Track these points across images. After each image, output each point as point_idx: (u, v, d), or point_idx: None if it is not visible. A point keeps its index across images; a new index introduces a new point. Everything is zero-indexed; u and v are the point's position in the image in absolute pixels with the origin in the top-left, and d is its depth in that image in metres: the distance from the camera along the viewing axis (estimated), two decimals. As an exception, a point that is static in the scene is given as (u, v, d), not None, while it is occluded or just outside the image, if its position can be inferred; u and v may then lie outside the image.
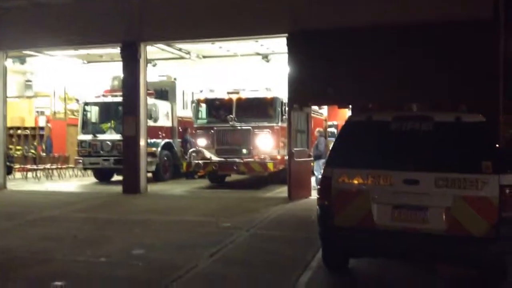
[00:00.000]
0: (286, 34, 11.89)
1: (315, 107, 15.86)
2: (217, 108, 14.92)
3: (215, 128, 14.48)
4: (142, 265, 6.16)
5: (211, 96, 15.03)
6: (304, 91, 11.79)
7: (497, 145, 5.04)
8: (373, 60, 10.91)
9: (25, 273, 5.84)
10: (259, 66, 17.69)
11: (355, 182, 5.09)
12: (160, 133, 15.91)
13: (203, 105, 15.18)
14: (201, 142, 14.66)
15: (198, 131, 15.02)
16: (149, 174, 14.38)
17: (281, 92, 13.97)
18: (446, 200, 4.74)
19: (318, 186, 5.47)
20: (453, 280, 5.70)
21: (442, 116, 5.18)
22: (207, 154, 14.23)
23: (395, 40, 10.79)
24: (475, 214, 4.68)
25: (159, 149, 15.67)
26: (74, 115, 21.65)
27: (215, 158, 14.16)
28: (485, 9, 10.32)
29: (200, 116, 15.22)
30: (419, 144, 5.09)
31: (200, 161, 14.10)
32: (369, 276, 6.02)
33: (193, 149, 14.64)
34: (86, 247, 7.13)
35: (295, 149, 11.91)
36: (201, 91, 15.49)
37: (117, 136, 14.88)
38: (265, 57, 17.42)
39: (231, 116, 14.29)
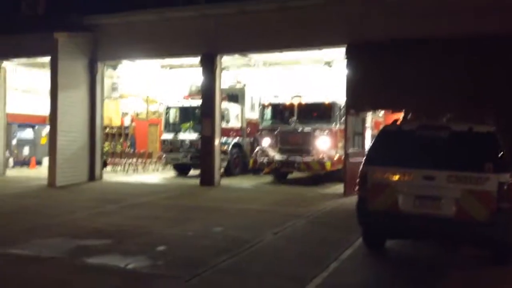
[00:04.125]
0: (345, 45, 13.27)
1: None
2: (281, 112, 16.31)
3: (278, 130, 15.94)
4: (221, 238, 7.97)
5: (275, 101, 16.56)
6: (360, 97, 13.06)
7: (501, 151, 6.29)
8: (423, 70, 12.06)
9: (134, 241, 7.79)
10: (322, 72, 18.98)
11: (385, 177, 6.56)
12: (231, 133, 17.71)
13: (268, 109, 16.69)
14: (266, 142, 16.15)
15: (263, 132, 16.50)
16: (221, 170, 16.24)
17: (341, 96, 15.10)
18: (456, 192, 6.11)
19: (357, 180, 6.98)
20: (472, 258, 7.01)
21: (458, 126, 6.54)
22: (271, 153, 15.75)
23: (445, 52, 11.88)
24: (478, 203, 6.03)
25: (230, 147, 17.46)
26: (155, 115, 24.16)
27: (278, 157, 15.68)
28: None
29: (265, 118, 16.72)
30: (436, 148, 6.48)
31: (265, 159, 15.73)
32: (400, 254, 7.45)
33: (259, 148, 16.24)
34: (175, 224, 9.06)
35: (351, 150, 13.29)
36: (266, 97, 17.00)
37: (194, 135, 16.95)
38: (328, 63, 18.73)
39: (293, 119, 15.80)
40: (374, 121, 17.86)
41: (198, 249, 7.27)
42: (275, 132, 15.98)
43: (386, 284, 6.06)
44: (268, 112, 16.73)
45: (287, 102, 16.15)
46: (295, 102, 15.97)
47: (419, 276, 6.20)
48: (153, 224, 9.14)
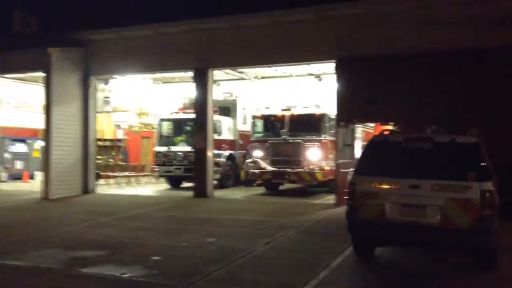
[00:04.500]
0: (335, 60, 13.61)
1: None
2: (272, 123, 16.59)
3: (269, 141, 16.22)
4: (214, 248, 8.14)
5: (266, 112, 16.79)
6: (350, 110, 13.37)
7: (483, 160, 6.55)
8: (410, 83, 12.40)
9: (128, 252, 7.94)
10: (312, 85, 19.27)
11: (373, 186, 6.79)
12: (223, 145, 17.88)
13: (259, 121, 16.95)
14: (257, 153, 16.36)
15: (254, 143, 16.70)
16: (214, 182, 16.42)
17: (331, 108, 15.40)
18: (440, 201, 6.35)
19: (346, 190, 7.20)
20: (459, 266, 7.23)
21: (441, 138, 6.80)
22: (262, 164, 15.96)
23: (432, 65, 12.22)
24: (461, 211, 6.27)
25: (222, 159, 17.69)
26: (147, 128, 24.31)
27: (269, 168, 15.91)
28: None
29: (256, 130, 16.97)
30: (421, 159, 6.74)
31: (256, 171, 15.93)
32: (390, 261, 7.66)
33: (250, 159, 16.45)
34: (169, 236, 9.22)
35: (341, 160, 13.55)
36: (257, 109, 17.31)
37: (188, 148, 17.12)
38: (317, 76, 19.03)
39: (283, 130, 16.07)
40: (364, 132, 18.21)
41: (191, 259, 7.43)
42: (266, 144, 16.26)
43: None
44: (259, 123, 16.99)
45: (278, 114, 16.43)
46: (286, 113, 16.25)
47: (407, 283, 6.40)
48: (148, 235, 9.30)
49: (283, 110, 16.42)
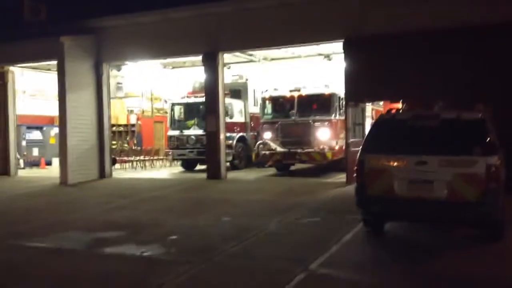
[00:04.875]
0: (343, 39, 13.71)
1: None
2: (281, 105, 16.67)
3: (279, 122, 16.32)
4: (229, 227, 8.45)
5: (275, 94, 16.85)
6: (359, 89, 13.49)
7: (489, 136, 6.71)
8: (419, 61, 12.48)
9: (147, 232, 8.28)
10: (321, 65, 19.34)
11: (381, 163, 7.00)
12: (235, 128, 18.16)
13: (269, 102, 17.01)
14: (267, 135, 16.51)
15: (264, 125, 16.81)
16: (227, 164, 16.70)
17: (340, 87, 15.41)
18: (447, 176, 6.54)
19: (356, 167, 7.41)
20: (465, 238, 7.45)
21: (447, 114, 6.97)
22: (273, 145, 16.10)
23: (440, 43, 12.28)
24: (468, 185, 6.46)
25: (234, 142, 17.92)
26: (160, 113, 24.66)
27: (279, 149, 16.09)
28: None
29: (266, 112, 17.03)
30: (428, 136, 6.91)
31: (267, 152, 16.13)
32: (398, 236, 7.91)
33: (260, 141, 16.63)
34: (186, 216, 9.55)
35: (352, 140, 13.73)
36: (266, 90, 17.35)
37: (200, 131, 17.43)
38: (327, 56, 19.09)
39: (293, 111, 16.21)
40: (374, 111, 18.30)
41: (208, 237, 7.75)
42: (276, 125, 16.34)
43: (384, 263, 6.49)
44: (269, 105, 17.07)
45: (287, 95, 16.48)
46: (295, 94, 16.34)
47: (417, 255, 6.64)
48: (165, 216, 9.64)
49: (291, 91, 16.50)
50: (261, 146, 16.33)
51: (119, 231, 8.30)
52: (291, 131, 16.10)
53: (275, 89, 17.00)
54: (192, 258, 6.54)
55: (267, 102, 17.09)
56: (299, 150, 15.64)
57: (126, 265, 6.44)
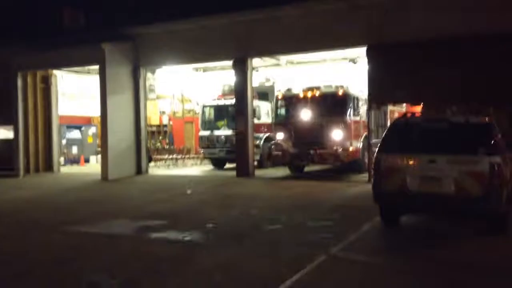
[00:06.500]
0: (366, 46, 14.51)
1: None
2: (294, 104, 16.19)
3: (292, 123, 15.96)
4: (258, 218, 9.41)
5: (288, 94, 16.46)
6: (381, 92, 14.30)
7: (494, 138, 7.49)
8: (437, 67, 13.20)
9: (186, 221, 9.29)
10: (347, 68, 19.96)
11: (396, 162, 7.84)
12: (262, 128, 19.08)
13: (282, 102, 16.61)
14: (280, 135, 16.21)
15: (277, 125, 16.61)
16: (254, 162, 17.59)
17: (357, 88, 15.91)
18: (454, 173, 7.34)
19: (373, 165, 8.26)
20: (471, 229, 8.23)
21: (456, 118, 7.77)
22: (285, 146, 15.80)
23: (458, 50, 12.95)
24: (473, 181, 7.25)
25: (261, 142, 18.86)
26: (190, 114, 25.79)
27: (291, 149, 15.77)
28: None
29: (279, 112, 16.73)
30: (439, 137, 7.73)
31: (279, 153, 15.96)
32: (412, 227, 8.72)
33: (273, 141, 16.53)
34: (219, 209, 10.54)
35: (374, 140, 14.49)
36: (279, 90, 17.31)
37: (229, 132, 18.47)
38: (352, 60, 19.64)
39: (306, 111, 15.78)
40: (397, 113, 18.93)
41: (239, 226, 8.73)
42: (289, 125, 16.05)
43: (399, 249, 7.32)
44: (282, 105, 16.71)
45: (301, 95, 16.07)
46: (309, 94, 15.93)
47: (432, 243, 7.45)
48: (200, 208, 10.67)
49: (304, 91, 16.05)
50: (273, 147, 16.28)
51: (161, 220, 9.34)
52: (304, 132, 15.68)
53: (288, 89, 16.64)
54: (227, 243, 7.52)
55: (279, 102, 16.73)
56: (311, 151, 15.36)
57: (172, 247, 7.45)
